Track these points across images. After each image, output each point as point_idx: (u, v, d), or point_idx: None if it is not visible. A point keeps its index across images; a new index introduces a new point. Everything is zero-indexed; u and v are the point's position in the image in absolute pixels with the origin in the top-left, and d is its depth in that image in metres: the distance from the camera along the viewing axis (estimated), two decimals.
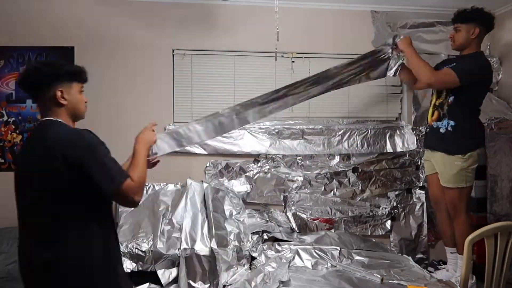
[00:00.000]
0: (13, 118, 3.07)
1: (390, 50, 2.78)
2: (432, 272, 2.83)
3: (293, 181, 3.29)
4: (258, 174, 3.25)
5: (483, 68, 2.62)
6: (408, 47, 2.68)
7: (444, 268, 2.92)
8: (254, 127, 3.22)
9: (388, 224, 3.35)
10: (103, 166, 1.49)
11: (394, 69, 2.78)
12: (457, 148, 2.63)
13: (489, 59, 3.39)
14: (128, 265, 2.50)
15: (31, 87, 1.61)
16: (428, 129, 2.93)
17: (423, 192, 3.38)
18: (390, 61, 2.81)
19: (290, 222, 3.18)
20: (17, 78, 1.60)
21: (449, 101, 2.65)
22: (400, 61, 2.85)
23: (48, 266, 1.48)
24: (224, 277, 2.40)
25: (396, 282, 2.32)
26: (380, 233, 3.34)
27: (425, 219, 3.37)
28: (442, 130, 2.68)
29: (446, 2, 3.28)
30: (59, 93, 1.57)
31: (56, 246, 1.49)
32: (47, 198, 1.50)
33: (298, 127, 3.28)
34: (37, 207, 1.51)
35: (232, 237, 2.71)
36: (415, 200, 3.41)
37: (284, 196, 3.27)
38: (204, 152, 3.16)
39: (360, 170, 3.37)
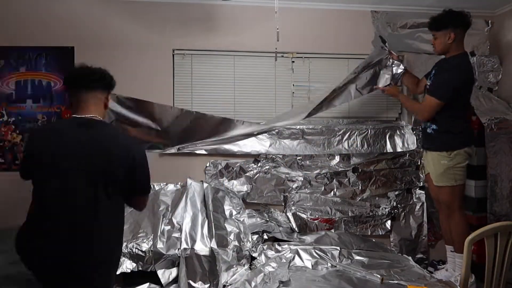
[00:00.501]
0: (13, 118, 3.07)
1: (387, 56, 2.90)
2: (432, 272, 2.84)
3: (293, 181, 3.29)
4: (258, 174, 3.25)
5: (459, 75, 2.65)
6: (397, 94, 2.99)
7: (443, 268, 2.92)
8: None
9: (388, 224, 3.35)
10: (148, 174, 1.76)
11: (399, 71, 3.01)
12: (441, 145, 2.71)
13: (489, 59, 3.43)
14: (128, 265, 2.50)
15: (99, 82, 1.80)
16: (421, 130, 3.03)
17: (423, 192, 3.38)
18: (392, 68, 2.94)
19: (290, 222, 3.18)
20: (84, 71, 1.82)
21: None
22: (403, 67, 2.94)
23: (104, 260, 1.66)
24: (224, 277, 2.40)
25: (396, 282, 2.32)
26: (380, 233, 3.34)
27: (425, 219, 3.37)
28: (428, 131, 2.78)
29: (446, 2, 3.27)
30: (108, 98, 1.86)
31: (110, 241, 1.70)
32: (107, 196, 1.62)
33: (298, 127, 3.27)
34: (95, 205, 1.61)
35: (232, 237, 2.71)
36: (415, 200, 3.41)
37: (284, 196, 3.27)
38: (204, 152, 3.16)
39: (360, 170, 3.37)
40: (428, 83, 2.78)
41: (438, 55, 2.84)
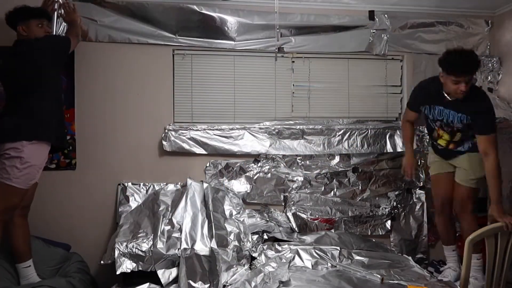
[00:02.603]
0: None
1: None
2: (432, 272, 2.84)
3: (293, 181, 3.29)
4: (258, 174, 3.25)
5: (491, 104, 2.62)
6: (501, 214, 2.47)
7: (447, 267, 2.91)
8: (254, 127, 3.22)
9: (388, 224, 3.36)
10: None
11: None
12: None
13: (489, 59, 3.44)
14: (128, 265, 2.49)
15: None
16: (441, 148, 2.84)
17: (423, 192, 3.39)
18: None
19: (290, 222, 3.18)
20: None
21: (460, 137, 2.71)
22: None
23: None
24: (224, 277, 2.39)
25: (396, 282, 2.32)
26: (380, 233, 3.34)
27: (425, 219, 3.37)
28: (462, 149, 2.75)
29: (446, 2, 3.28)
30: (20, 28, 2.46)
31: None
32: None
33: (298, 127, 3.28)
34: None
35: (232, 237, 2.71)
36: (415, 200, 3.41)
37: (284, 196, 3.27)
38: (204, 152, 3.16)
39: (360, 170, 3.37)
40: (459, 125, 2.63)
41: (462, 98, 2.54)
